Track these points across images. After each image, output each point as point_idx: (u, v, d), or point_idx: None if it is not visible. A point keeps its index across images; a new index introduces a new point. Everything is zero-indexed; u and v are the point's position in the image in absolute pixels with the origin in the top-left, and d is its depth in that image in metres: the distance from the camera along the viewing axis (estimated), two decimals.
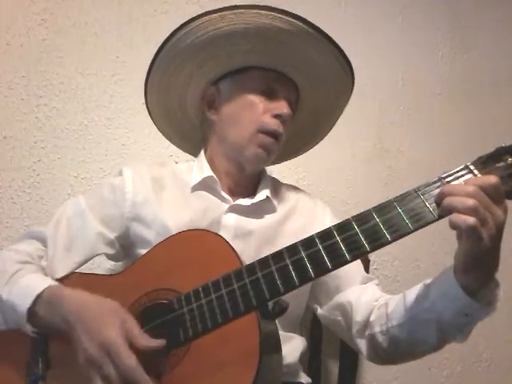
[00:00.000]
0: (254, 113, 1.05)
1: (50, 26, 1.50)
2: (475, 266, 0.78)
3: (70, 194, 1.45)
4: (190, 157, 1.29)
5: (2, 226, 1.39)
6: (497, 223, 0.73)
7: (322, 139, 1.28)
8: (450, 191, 0.74)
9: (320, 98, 1.15)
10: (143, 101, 1.18)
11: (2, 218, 1.40)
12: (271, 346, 0.81)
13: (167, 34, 1.05)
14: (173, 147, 1.34)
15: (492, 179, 0.73)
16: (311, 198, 1.21)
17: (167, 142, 1.30)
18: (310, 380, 1.09)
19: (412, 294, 0.93)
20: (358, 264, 1.10)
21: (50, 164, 1.46)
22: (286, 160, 1.31)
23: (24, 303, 0.86)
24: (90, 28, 1.54)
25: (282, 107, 1.05)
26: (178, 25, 1.03)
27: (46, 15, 1.50)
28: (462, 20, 2.00)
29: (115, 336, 0.78)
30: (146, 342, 0.80)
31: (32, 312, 0.87)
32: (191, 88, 1.13)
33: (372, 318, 1.00)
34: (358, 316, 1.02)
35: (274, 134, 1.05)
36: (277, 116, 1.05)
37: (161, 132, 1.27)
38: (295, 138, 1.19)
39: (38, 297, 0.87)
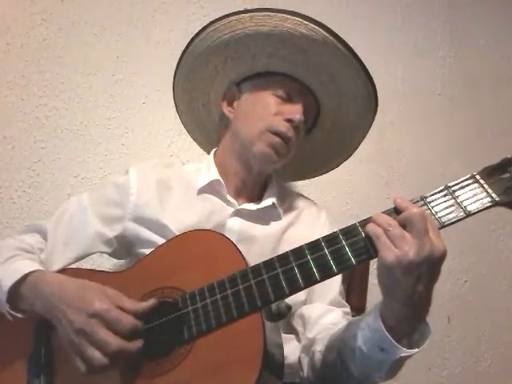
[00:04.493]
0: (266, 112, 1.06)
1: (50, 26, 1.50)
2: (391, 295, 0.76)
3: (70, 194, 1.44)
4: (191, 157, 1.29)
5: (2, 226, 1.39)
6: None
7: (343, 159, 1.26)
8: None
9: (340, 115, 1.15)
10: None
11: (2, 218, 1.39)
12: (274, 346, 0.81)
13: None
14: (173, 147, 1.34)
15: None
16: (317, 207, 1.20)
17: (167, 142, 1.30)
18: None
19: (355, 319, 0.91)
20: (335, 285, 1.08)
21: (50, 164, 1.45)
22: (305, 179, 1.31)
23: (8, 282, 0.88)
24: (90, 28, 1.54)
25: (296, 112, 1.05)
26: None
27: (45, 15, 1.49)
28: (461, 20, 2.00)
29: (104, 304, 0.80)
30: (135, 304, 0.83)
31: (16, 293, 0.88)
32: (215, 86, 1.15)
33: (319, 336, 0.98)
34: (310, 333, 1.00)
35: (282, 136, 1.05)
36: (288, 120, 1.05)
37: (185, 127, 1.27)
38: (312, 156, 1.18)
39: (23, 278, 0.88)
